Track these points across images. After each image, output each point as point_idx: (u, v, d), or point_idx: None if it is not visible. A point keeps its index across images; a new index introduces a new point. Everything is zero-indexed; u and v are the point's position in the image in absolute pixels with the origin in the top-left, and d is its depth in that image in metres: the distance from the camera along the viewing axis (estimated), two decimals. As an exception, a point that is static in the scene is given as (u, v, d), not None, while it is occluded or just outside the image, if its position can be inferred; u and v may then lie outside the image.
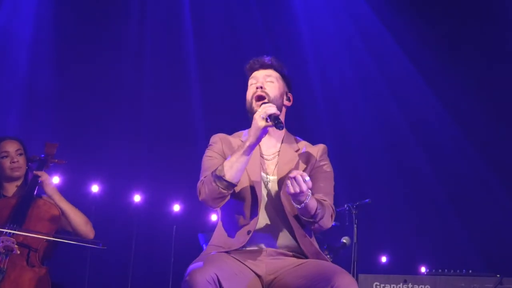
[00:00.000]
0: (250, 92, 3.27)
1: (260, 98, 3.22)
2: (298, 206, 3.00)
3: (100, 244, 4.06)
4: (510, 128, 6.32)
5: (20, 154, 4.27)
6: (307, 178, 2.92)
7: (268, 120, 3.03)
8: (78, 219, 4.19)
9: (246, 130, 3.22)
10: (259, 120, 3.02)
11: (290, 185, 2.92)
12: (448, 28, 6.59)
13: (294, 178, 2.91)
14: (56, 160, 4.34)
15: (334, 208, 3.21)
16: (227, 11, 7.04)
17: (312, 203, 3.01)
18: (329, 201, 3.17)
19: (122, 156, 6.63)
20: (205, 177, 3.10)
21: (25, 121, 6.44)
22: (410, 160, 6.63)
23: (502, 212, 6.16)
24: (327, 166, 3.28)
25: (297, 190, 2.91)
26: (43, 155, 4.32)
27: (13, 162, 4.23)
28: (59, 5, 6.72)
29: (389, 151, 6.67)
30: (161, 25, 7.03)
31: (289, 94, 3.35)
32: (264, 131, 3.04)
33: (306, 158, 3.25)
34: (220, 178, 3.01)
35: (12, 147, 4.27)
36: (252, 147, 3.04)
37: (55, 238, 4.03)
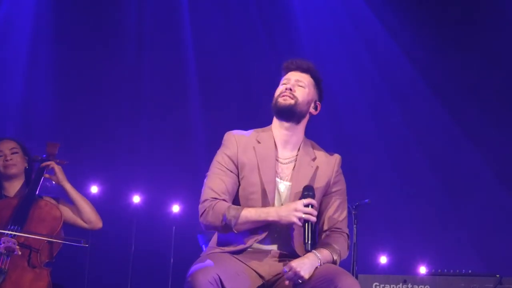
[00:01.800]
0: (279, 90, 3.24)
1: (286, 109, 3.18)
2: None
3: (81, 241, 4.04)
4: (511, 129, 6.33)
5: (15, 153, 4.27)
6: (303, 277, 2.94)
7: (301, 221, 3.01)
8: (88, 209, 4.24)
9: (265, 128, 3.23)
10: (293, 218, 3.01)
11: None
12: (448, 27, 6.59)
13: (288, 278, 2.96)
14: (58, 160, 4.34)
15: (348, 232, 3.23)
16: (226, 12, 7.04)
17: (327, 258, 3.06)
18: (343, 227, 3.20)
19: (122, 156, 6.63)
20: (215, 204, 3.05)
21: (26, 121, 6.44)
22: (410, 160, 6.63)
23: (502, 212, 6.16)
24: (341, 183, 3.29)
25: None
26: (44, 155, 4.32)
27: (6, 161, 4.23)
28: (58, 7, 6.72)
29: (388, 151, 6.67)
30: (160, 26, 7.02)
31: (318, 103, 3.32)
32: (290, 224, 3.04)
33: (322, 170, 3.22)
34: (229, 225, 3.01)
35: (5, 146, 4.27)
36: (271, 223, 3.04)
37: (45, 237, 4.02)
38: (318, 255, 3.03)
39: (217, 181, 3.12)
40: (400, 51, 6.77)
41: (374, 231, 6.14)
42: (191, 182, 6.60)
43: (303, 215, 3.00)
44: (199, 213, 3.11)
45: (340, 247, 3.13)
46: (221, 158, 3.19)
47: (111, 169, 6.46)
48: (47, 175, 4.21)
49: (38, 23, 6.70)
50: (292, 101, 3.19)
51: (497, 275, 4.69)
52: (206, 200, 3.09)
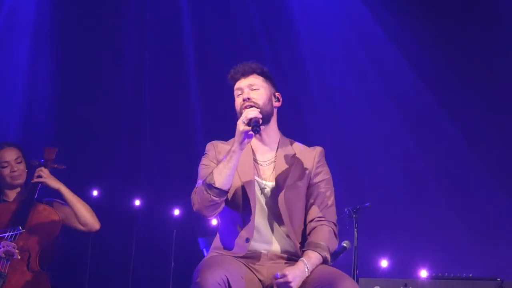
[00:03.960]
0: (238, 104, 3.25)
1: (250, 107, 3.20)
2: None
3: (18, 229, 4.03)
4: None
5: (19, 162, 4.28)
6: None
7: (249, 125, 3.05)
8: (85, 211, 4.23)
9: None
10: (240, 125, 3.06)
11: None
12: (448, 27, 6.58)
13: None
14: (56, 165, 4.34)
15: (335, 220, 3.24)
16: (226, 12, 7.04)
17: (315, 262, 3.08)
18: (328, 216, 3.20)
19: (122, 160, 6.63)
20: (196, 187, 3.14)
21: (25, 125, 6.45)
22: (411, 164, 6.62)
23: (503, 216, 6.15)
24: (325, 173, 3.29)
25: None
26: (42, 160, 4.32)
27: (13, 172, 4.24)
28: (59, 10, 6.73)
29: (389, 155, 6.66)
30: (161, 29, 7.03)
31: (277, 94, 3.34)
32: (245, 136, 3.06)
33: (303, 163, 3.25)
34: (210, 186, 3.04)
35: (10, 155, 4.27)
36: (237, 152, 3.07)
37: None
38: (307, 264, 3.05)
39: (201, 175, 3.22)
40: (399, 51, 6.76)
41: (375, 235, 6.13)
42: (192, 186, 6.61)
43: (244, 119, 3.05)
44: (192, 207, 3.15)
45: (327, 241, 3.14)
46: (204, 161, 3.30)
47: (112, 173, 6.46)
48: (39, 179, 4.19)
49: (38, 26, 6.72)
50: (251, 106, 3.21)
51: (498, 279, 4.69)
52: (193, 191, 3.17)
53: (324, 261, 3.11)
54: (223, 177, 3.04)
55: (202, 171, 3.24)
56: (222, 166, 3.06)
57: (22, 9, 6.72)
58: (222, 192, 3.06)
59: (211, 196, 3.04)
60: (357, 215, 5.03)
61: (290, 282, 2.97)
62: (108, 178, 6.34)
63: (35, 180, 4.18)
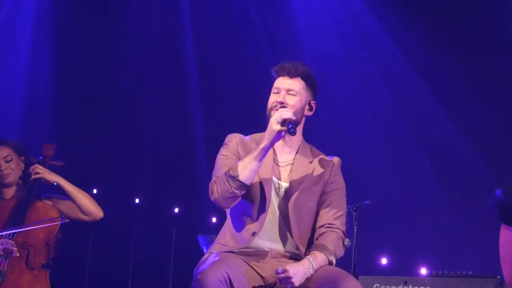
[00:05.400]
0: (271, 103, 3.25)
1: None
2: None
3: (62, 219, 4.06)
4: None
5: (9, 161, 4.26)
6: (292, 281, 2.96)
7: (283, 125, 3.06)
8: (87, 201, 4.21)
9: (263, 133, 3.20)
10: (273, 124, 3.06)
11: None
12: (448, 27, 6.58)
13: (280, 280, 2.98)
14: (54, 162, 4.33)
15: (344, 229, 3.25)
16: (226, 12, 7.04)
17: (321, 262, 3.08)
18: (338, 224, 3.22)
19: (121, 158, 6.63)
20: (217, 176, 3.13)
21: (25, 122, 6.44)
22: (411, 161, 6.62)
23: (503, 213, 6.14)
24: (340, 183, 3.31)
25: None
26: (40, 157, 4.31)
27: (1, 171, 4.23)
28: (58, 10, 6.72)
29: (389, 152, 6.66)
30: (160, 29, 7.03)
31: (312, 103, 3.34)
32: (278, 135, 3.08)
33: (320, 171, 3.26)
34: (233, 178, 3.04)
35: (0, 154, 4.26)
36: (266, 149, 3.08)
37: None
38: (313, 262, 3.05)
39: (221, 165, 3.21)
40: (400, 51, 6.76)
41: (375, 233, 6.13)
42: (191, 184, 6.62)
43: (278, 118, 3.05)
44: (209, 195, 3.14)
45: (335, 246, 3.15)
46: (223, 151, 3.28)
47: (111, 170, 6.46)
48: (37, 176, 4.19)
49: (38, 25, 6.72)
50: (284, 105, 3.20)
51: (498, 277, 4.69)
52: (212, 180, 3.16)
53: (329, 264, 3.12)
54: (248, 172, 3.05)
55: (221, 161, 3.23)
56: (248, 160, 3.06)
57: (22, 8, 6.71)
58: (243, 186, 3.06)
59: (233, 188, 3.05)
60: (357, 213, 5.03)
61: (291, 277, 2.96)
62: (108, 176, 6.34)
63: (33, 177, 4.17)
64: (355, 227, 5.01)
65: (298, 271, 2.99)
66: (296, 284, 2.98)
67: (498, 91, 6.38)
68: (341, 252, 3.20)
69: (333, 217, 3.21)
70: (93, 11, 6.78)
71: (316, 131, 6.63)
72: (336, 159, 3.35)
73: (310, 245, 3.19)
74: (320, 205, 3.25)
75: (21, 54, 6.66)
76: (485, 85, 6.42)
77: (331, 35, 6.98)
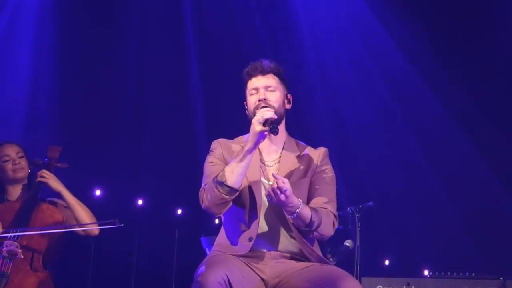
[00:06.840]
0: (252, 104, 3.24)
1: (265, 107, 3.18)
2: (290, 216, 3.04)
3: (116, 223, 4.01)
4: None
5: (21, 157, 4.29)
6: (286, 188, 2.93)
7: (265, 125, 3.04)
8: (85, 216, 4.20)
9: (247, 135, 3.20)
10: (256, 125, 3.05)
11: (269, 195, 2.96)
12: (448, 27, 6.58)
13: (272, 189, 2.94)
14: (59, 164, 4.34)
15: (336, 214, 3.21)
16: (228, 12, 7.05)
17: (305, 212, 3.03)
18: (329, 208, 3.17)
19: (125, 160, 6.63)
20: (206, 184, 3.12)
21: (28, 124, 6.45)
22: (413, 163, 6.62)
23: (506, 215, 6.15)
24: (328, 171, 3.28)
25: (275, 201, 2.94)
26: (46, 159, 4.32)
27: (15, 164, 4.24)
28: (61, 12, 6.73)
29: (392, 154, 6.66)
30: (163, 30, 7.04)
31: (289, 96, 3.32)
32: (261, 136, 3.06)
33: (307, 163, 3.25)
34: (221, 183, 3.03)
35: (12, 150, 4.28)
36: (250, 151, 3.06)
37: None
38: (300, 203, 3.01)
39: (208, 172, 3.19)
40: (403, 52, 6.76)
41: (378, 234, 6.14)
42: (194, 185, 6.61)
43: (260, 119, 3.03)
44: (200, 203, 3.14)
45: (324, 217, 3.09)
46: (210, 158, 3.27)
47: (115, 172, 6.46)
48: (42, 179, 4.19)
49: (41, 26, 6.72)
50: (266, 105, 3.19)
51: (501, 278, 4.69)
52: (201, 188, 3.15)
53: (309, 224, 3.05)
54: (235, 176, 3.03)
55: (209, 168, 3.22)
56: (234, 164, 3.05)
57: (24, 9, 6.72)
58: (233, 191, 3.05)
59: (222, 194, 3.03)
60: (359, 214, 5.04)
61: (283, 183, 2.93)
62: (111, 177, 6.34)
63: (38, 179, 4.18)
64: (358, 228, 5.02)
65: (291, 191, 2.96)
66: (288, 193, 2.94)
67: (500, 88, 6.39)
68: (328, 229, 3.12)
69: (324, 201, 3.17)
70: (96, 12, 6.78)
71: (318, 133, 6.65)
72: (322, 149, 3.32)
73: (310, 241, 3.17)
74: (310, 194, 3.21)
75: (24, 55, 6.66)
76: (488, 84, 6.42)
77: (332, 35, 6.99)
